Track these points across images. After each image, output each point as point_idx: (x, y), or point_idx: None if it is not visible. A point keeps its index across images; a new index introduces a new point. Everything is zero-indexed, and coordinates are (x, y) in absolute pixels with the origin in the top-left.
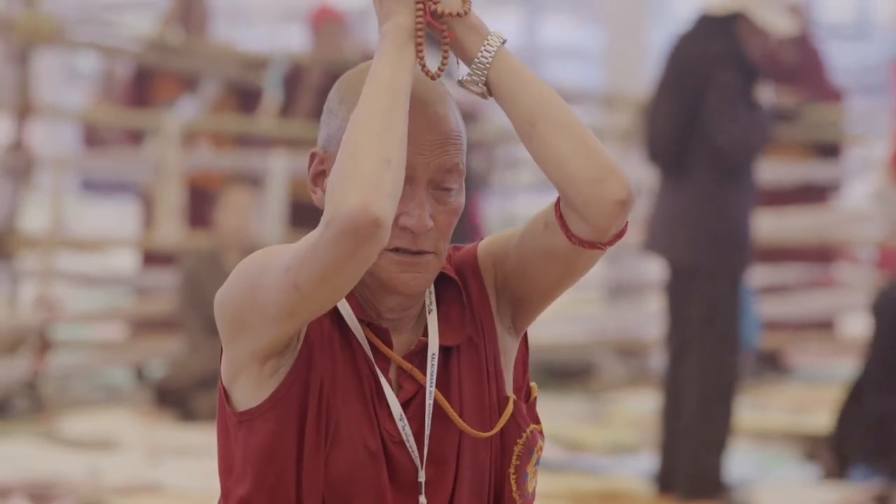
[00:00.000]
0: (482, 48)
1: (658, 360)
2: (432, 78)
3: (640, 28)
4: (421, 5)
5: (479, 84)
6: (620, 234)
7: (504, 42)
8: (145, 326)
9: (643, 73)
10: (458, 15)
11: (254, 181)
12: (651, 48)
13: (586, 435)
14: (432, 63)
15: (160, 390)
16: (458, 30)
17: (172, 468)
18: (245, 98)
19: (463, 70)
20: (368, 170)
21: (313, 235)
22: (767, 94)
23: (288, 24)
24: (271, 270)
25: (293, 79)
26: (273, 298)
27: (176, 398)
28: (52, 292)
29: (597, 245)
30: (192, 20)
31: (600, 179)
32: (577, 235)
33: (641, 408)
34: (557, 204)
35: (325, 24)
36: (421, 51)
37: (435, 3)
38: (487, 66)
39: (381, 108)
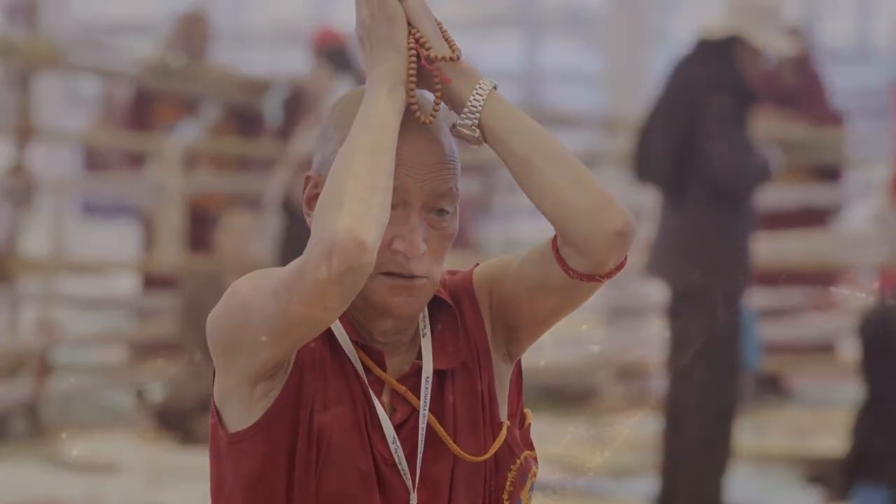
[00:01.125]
0: (473, 93)
1: (659, 383)
2: (424, 123)
3: (640, 51)
4: (413, 51)
5: (473, 128)
6: (619, 268)
7: (495, 87)
8: (146, 349)
9: (643, 96)
10: (452, 59)
11: (254, 204)
12: (651, 71)
13: (587, 457)
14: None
15: (161, 413)
16: (448, 75)
17: (173, 491)
18: (245, 121)
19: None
20: (355, 196)
21: (300, 260)
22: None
23: (289, 47)
24: (260, 294)
25: (294, 102)
26: (262, 322)
27: (177, 421)
28: (53, 315)
29: (595, 278)
30: (192, 44)
31: (599, 211)
32: (575, 269)
33: (642, 430)
34: (555, 239)
35: (325, 46)
36: (413, 96)
37: (427, 49)
38: (479, 110)
39: (368, 145)
